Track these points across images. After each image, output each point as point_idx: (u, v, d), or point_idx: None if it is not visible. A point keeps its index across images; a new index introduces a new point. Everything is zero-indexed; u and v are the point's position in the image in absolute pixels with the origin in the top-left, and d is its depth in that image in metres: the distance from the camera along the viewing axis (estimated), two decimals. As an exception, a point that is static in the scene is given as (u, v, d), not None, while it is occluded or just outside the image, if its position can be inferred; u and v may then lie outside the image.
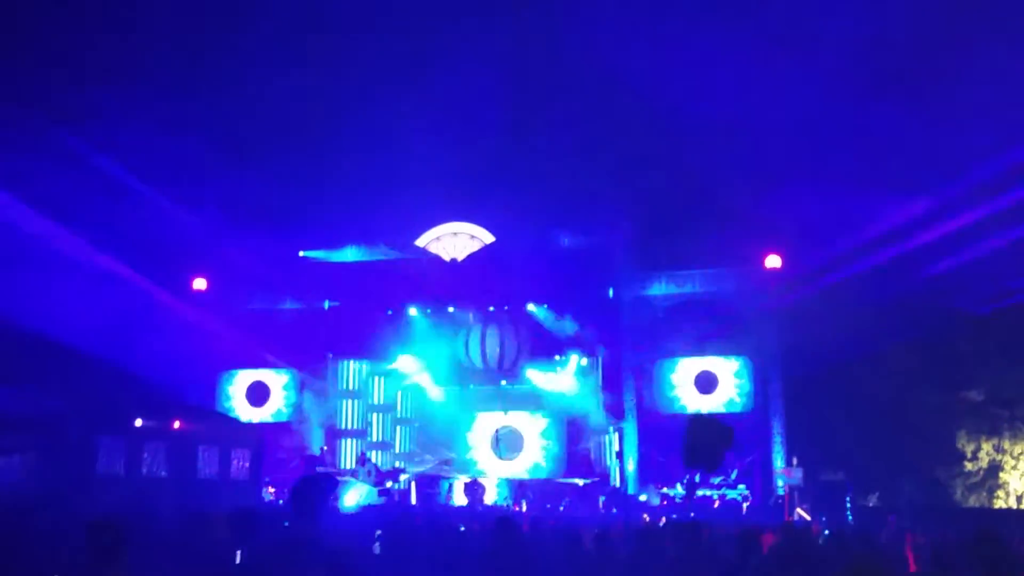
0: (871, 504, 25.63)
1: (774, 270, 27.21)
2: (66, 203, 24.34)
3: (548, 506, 25.28)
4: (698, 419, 15.08)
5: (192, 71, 26.03)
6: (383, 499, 24.72)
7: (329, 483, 5.41)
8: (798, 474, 24.53)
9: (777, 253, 27.09)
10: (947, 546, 10.06)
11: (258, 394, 30.64)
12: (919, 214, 23.38)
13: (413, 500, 25.41)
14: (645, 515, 19.09)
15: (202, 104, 24.72)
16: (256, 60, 25.68)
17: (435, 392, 29.52)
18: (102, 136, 24.06)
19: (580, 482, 27.19)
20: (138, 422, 16.76)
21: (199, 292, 30.06)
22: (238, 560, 6.39)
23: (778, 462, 26.11)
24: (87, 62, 24.16)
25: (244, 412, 29.90)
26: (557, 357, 28.56)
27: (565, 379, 28.48)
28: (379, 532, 10.74)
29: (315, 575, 5.27)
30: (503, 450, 28.62)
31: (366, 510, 21.84)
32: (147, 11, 25.21)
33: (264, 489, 23.88)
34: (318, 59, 25.71)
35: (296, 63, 25.72)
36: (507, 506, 25.14)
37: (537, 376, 28.60)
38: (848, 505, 22.51)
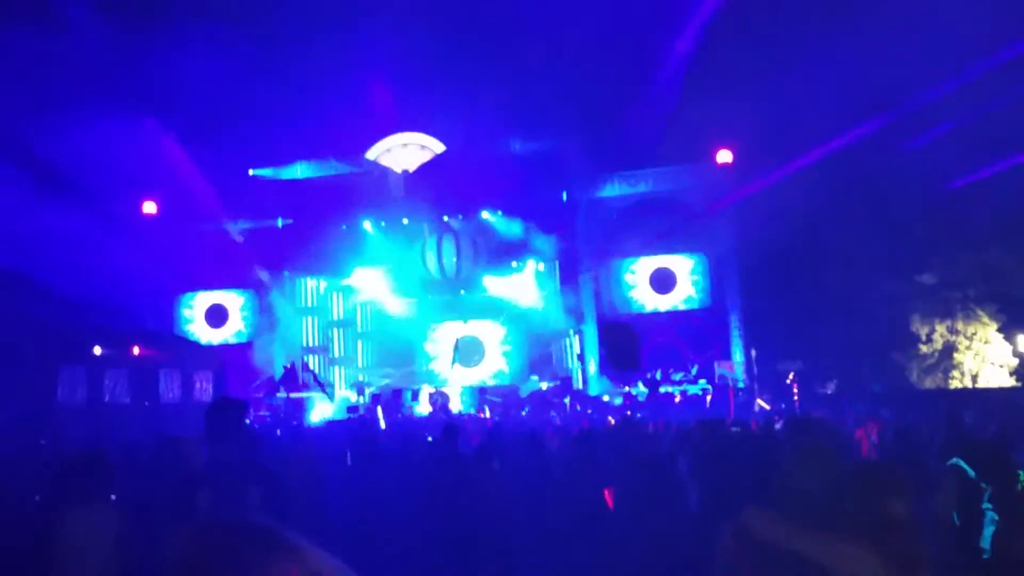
0: (830, 392, 26.26)
1: (726, 165, 27.29)
2: (10, 127, 23.71)
3: (512, 413, 25.61)
4: (608, 328, 15.30)
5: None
6: (350, 415, 24.94)
7: (243, 405, 5.37)
8: (737, 368, 25.06)
9: (728, 148, 27.13)
10: (910, 428, 10.32)
11: (217, 316, 30.56)
12: (868, 102, 23.41)
13: (380, 415, 25.66)
14: (610, 417, 19.37)
15: (148, 20, 23.96)
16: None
17: (394, 305, 29.55)
18: (44, 50, 23.30)
19: (543, 386, 27.52)
20: (97, 350, 16.65)
21: (150, 215, 29.66)
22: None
23: (737, 356, 26.58)
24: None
25: (204, 334, 29.83)
26: (514, 263, 28.61)
27: (523, 285, 28.62)
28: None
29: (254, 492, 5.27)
30: (464, 359, 28.85)
31: (331, 425, 21.98)
32: None
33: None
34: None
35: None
36: (471, 414, 25.43)
37: (495, 283, 28.70)
38: (795, 393, 23.03)
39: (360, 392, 26.73)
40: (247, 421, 5.31)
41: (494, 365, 28.94)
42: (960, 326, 26.75)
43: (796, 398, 22.82)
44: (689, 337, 27.25)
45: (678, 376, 26.26)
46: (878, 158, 24.04)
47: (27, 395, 15.41)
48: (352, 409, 25.15)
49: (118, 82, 25.04)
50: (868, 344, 26.62)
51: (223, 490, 4.87)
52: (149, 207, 29.65)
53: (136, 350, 17.76)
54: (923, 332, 27.01)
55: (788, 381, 23.65)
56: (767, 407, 22.63)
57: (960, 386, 26.16)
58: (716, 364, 25.26)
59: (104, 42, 23.45)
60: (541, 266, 28.50)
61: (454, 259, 28.46)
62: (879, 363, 27.04)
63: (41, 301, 20.78)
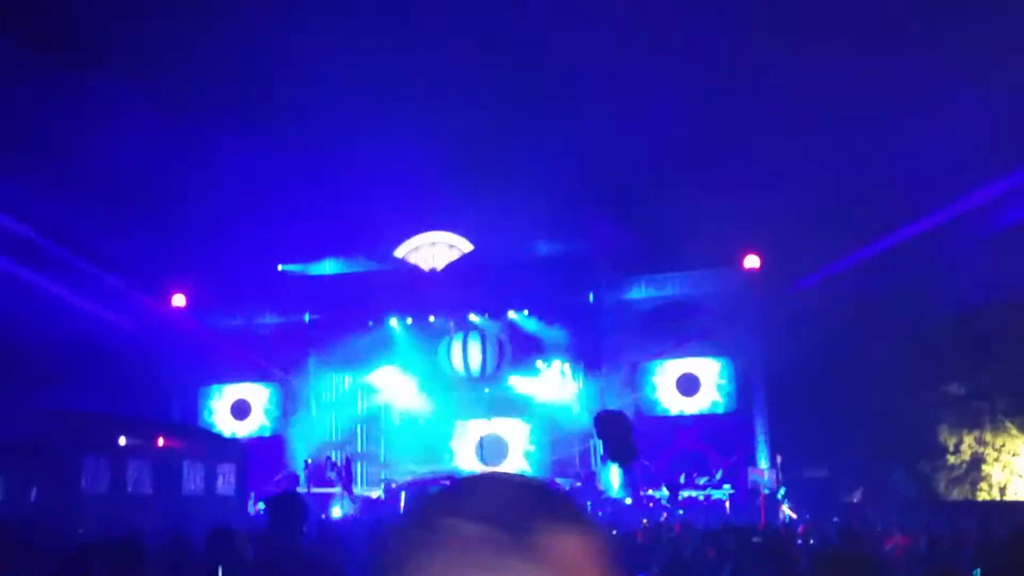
0: (855, 500, 25.79)
1: (753, 270, 27.34)
2: (46, 219, 24.22)
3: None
4: (601, 419, 15.15)
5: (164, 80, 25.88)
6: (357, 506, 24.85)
7: (305, 501, 5.43)
8: (771, 475, 24.67)
9: (756, 253, 27.21)
10: (943, 539, 10.17)
11: (241, 409, 30.58)
12: (898, 215, 23.59)
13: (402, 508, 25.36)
14: (644, 520, 19.14)
15: (179, 118, 24.60)
16: (230, 67, 25.57)
17: (419, 401, 29.49)
18: (84, 156, 23.92)
19: (565, 487, 27.19)
20: (122, 440, 16.68)
21: (179, 308, 29.96)
22: None
23: (762, 461, 26.22)
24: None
25: (227, 427, 29.80)
26: (539, 363, 28.62)
27: (548, 385, 28.55)
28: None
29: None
30: (487, 457, 28.64)
31: (348, 521, 21.81)
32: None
33: (253, 504, 23.78)
34: (291, 66, 25.64)
35: (269, 68, 25.61)
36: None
37: (520, 382, 28.65)
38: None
39: (388, 491, 26.49)
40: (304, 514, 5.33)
41: (517, 464, 28.66)
42: (988, 437, 26.34)
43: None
44: (714, 441, 26.99)
45: (702, 480, 25.93)
46: (905, 267, 24.07)
47: (51, 482, 15.44)
48: (366, 503, 24.99)
49: (151, 173, 25.58)
50: (895, 453, 26.23)
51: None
52: (178, 300, 29.95)
53: (160, 441, 17.78)
54: (951, 443, 26.61)
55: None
56: (793, 515, 22.24)
57: (988, 498, 25.63)
58: (749, 469, 24.96)
59: (138, 131, 24.02)
60: (566, 366, 28.47)
61: (479, 357, 28.50)
62: (906, 473, 26.60)
63: (66, 390, 20.94)
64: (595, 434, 12.82)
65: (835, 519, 18.13)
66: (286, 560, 5.16)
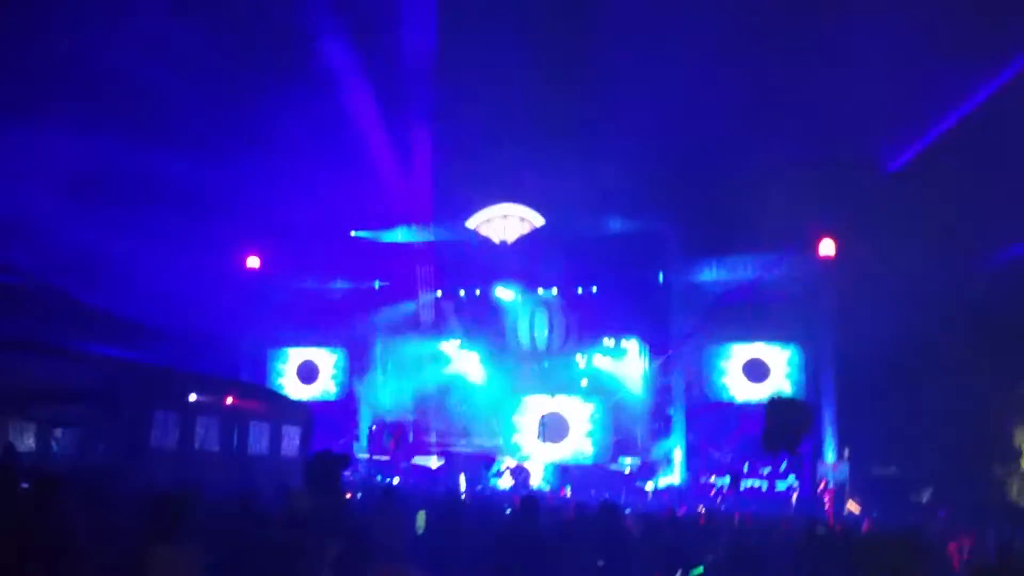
0: (924, 501, 25.21)
1: (828, 257, 26.71)
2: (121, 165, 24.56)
3: (592, 492, 25.23)
4: (776, 402, 14.87)
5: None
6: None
7: (344, 459, 5.45)
8: (845, 469, 24.22)
9: (832, 238, 26.56)
10: (1012, 543, 9.88)
11: (308, 372, 30.98)
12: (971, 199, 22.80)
13: (462, 482, 25.54)
14: (701, 507, 19.03)
15: (263, 76, 24.82)
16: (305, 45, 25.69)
17: (482, 374, 29.55)
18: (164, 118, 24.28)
19: (627, 469, 27.11)
20: (192, 396, 16.94)
21: (252, 269, 30.37)
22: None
23: (829, 453, 25.79)
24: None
25: (294, 390, 30.21)
26: (606, 341, 28.46)
27: (613, 364, 28.39)
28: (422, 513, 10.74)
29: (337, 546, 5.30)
30: (548, 435, 28.61)
31: (411, 487, 21.97)
32: None
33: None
34: (371, 33, 25.66)
35: (348, 35, 25.65)
36: (551, 491, 25.13)
37: (585, 360, 28.53)
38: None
39: (447, 460, 26.67)
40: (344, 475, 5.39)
41: (578, 443, 28.60)
42: (1065, 443, 25.56)
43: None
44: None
45: (766, 470, 25.62)
46: (984, 262, 23.37)
47: (120, 435, 15.73)
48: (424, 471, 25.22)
49: (235, 128, 25.80)
50: (967, 455, 25.56)
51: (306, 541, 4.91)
52: (253, 261, 30.34)
53: (229, 400, 18.01)
54: (1026, 446, 25.87)
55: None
56: (856, 511, 21.88)
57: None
58: (819, 462, 24.61)
59: (225, 87, 24.27)
60: (633, 345, 28.26)
61: (545, 332, 28.46)
62: (977, 475, 25.91)
63: (140, 344, 21.33)
64: (766, 415, 12.64)
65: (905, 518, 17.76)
66: (318, 517, 5.20)
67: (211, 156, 25.00)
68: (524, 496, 8.90)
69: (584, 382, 28.70)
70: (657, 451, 27.61)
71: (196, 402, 17.13)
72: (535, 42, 25.97)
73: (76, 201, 23.81)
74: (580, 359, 28.57)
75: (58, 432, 16.02)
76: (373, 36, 25.70)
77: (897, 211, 23.21)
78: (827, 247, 26.67)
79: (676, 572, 8.13)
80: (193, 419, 16.88)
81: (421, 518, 10.44)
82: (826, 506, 22.23)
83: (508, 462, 26.99)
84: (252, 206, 27.43)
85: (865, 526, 15.84)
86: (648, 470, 26.81)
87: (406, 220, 30.20)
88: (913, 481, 25.56)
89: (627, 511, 12.66)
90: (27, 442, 15.37)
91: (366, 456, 27.59)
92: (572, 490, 25.13)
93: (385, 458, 27.16)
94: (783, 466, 25.49)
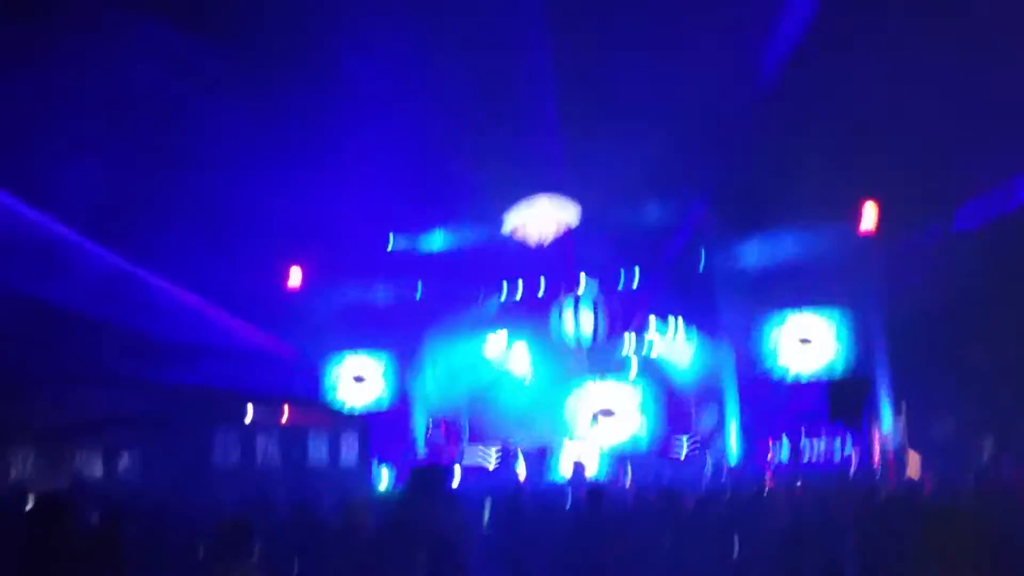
0: (986, 456, 24.85)
1: (872, 226, 26.34)
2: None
3: (650, 477, 25.25)
4: (836, 384, 14.89)
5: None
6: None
7: (446, 471, 5.59)
8: (896, 426, 24.05)
9: (877, 204, 26.14)
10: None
11: (360, 380, 31.22)
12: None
13: (521, 474, 25.67)
14: (762, 480, 19.06)
15: (302, 97, 24.90)
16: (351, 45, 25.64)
17: (531, 368, 29.61)
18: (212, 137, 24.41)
19: (683, 451, 27.08)
20: (249, 413, 17.24)
21: (296, 284, 30.60)
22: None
23: (886, 420, 25.55)
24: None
25: (348, 397, 30.45)
26: (652, 324, 28.42)
27: (662, 346, 28.35)
28: (487, 505, 10.84)
29: (421, 558, 5.40)
30: (601, 423, 28.60)
31: (470, 487, 22.12)
32: None
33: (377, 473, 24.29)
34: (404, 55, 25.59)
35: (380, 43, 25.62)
36: (609, 479, 25.16)
37: (632, 345, 28.51)
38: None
39: (503, 456, 26.82)
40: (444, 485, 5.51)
41: (631, 429, 28.59)
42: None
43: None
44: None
45: (822, 442, 25.47)
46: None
47: (182, 460, 16.05)
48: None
49: (279, 142, 25.92)
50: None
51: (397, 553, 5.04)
52: (295, 275, 30.59)
53: (286, 413, 18.30)
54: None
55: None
56: (916, 475, 21.69)
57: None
58: (875, 427, 24.42)
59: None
60: (680, 329, 28.20)
61: (590, 324, 28.45)
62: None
63: (195, 368, 21.67)
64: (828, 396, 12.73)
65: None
66: (412, 527, 5.30)
67: (250, 175, 25.22)
68: (590, 487, 8.97)
69: (634, 367, 28.69)
70: (711, 430, 27.56)
71: (254, 419, 17.44)
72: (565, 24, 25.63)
73: (118, 225, 24.14)
74: (628, 345, 28.53)
75: (123, 458, 16.39)
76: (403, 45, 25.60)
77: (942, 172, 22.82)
78: (871, 214, 26.25)
79: (737, 549, 8.17)
80: (252, 435, 17.18)
81: (486, 514, 10.55)
82: (886, 470, 22.05)
83: (564, 453, 27.05)
84: (294, 221, 27.59)
85: (927, 487, 15.74)
86: (703, 450, 26.75)
87: (443, 223, 30.27)
88: (972, 436, 25.22)
89: (686, 494, 12.70)
90: (94, 470, 15.73)
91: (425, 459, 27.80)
92: (630, 477, 25.15)
93: (442, 458, 27.32)
94: (840, 438, 25.30)
